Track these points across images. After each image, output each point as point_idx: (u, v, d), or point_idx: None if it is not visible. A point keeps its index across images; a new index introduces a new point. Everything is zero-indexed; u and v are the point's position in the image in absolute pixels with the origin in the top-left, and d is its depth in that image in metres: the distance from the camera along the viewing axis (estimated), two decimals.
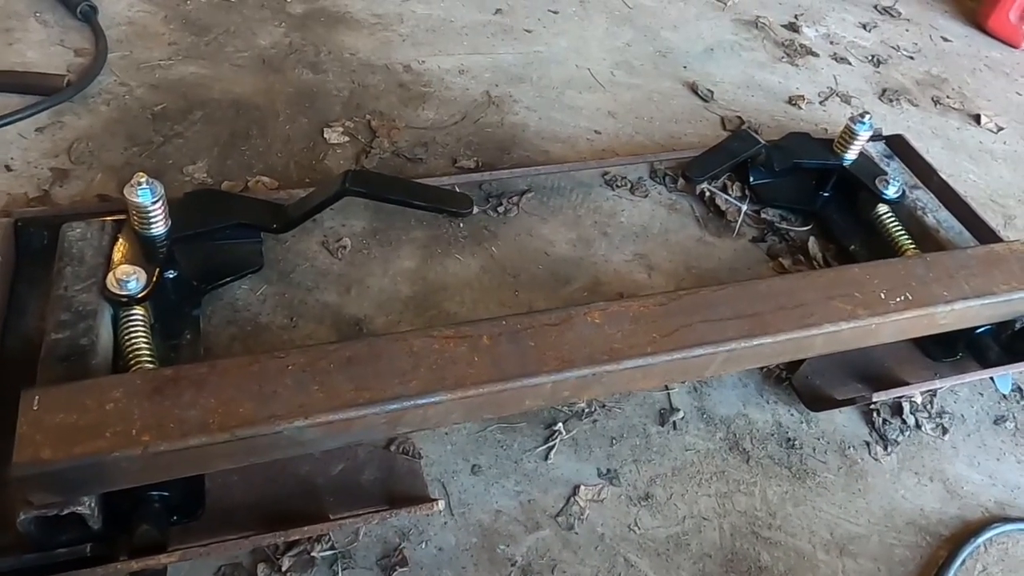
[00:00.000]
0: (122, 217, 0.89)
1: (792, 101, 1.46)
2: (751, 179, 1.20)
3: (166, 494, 0.72)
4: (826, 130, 1.38)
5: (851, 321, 0.87)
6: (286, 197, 1.01)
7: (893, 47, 1.67)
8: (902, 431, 0.97)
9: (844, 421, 0.97)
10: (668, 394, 0.96)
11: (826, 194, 1.20)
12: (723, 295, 0.88)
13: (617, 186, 1.21)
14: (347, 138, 1.19)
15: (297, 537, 0.75)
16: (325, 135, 1.19)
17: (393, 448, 0.84)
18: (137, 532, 0.70)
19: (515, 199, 1.15)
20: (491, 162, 1.20)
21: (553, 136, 1.27)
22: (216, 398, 0.70)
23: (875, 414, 0.98)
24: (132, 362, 0.80)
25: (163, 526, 0.71)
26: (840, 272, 0.94)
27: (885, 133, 1.27)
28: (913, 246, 1.08)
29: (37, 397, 0.67)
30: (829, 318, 0.87)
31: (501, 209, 1.13)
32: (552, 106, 1.33)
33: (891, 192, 1.12)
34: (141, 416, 0.68)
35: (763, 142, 1.15)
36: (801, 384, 0.98)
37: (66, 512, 0.67)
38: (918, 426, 0.98)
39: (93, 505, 0.68)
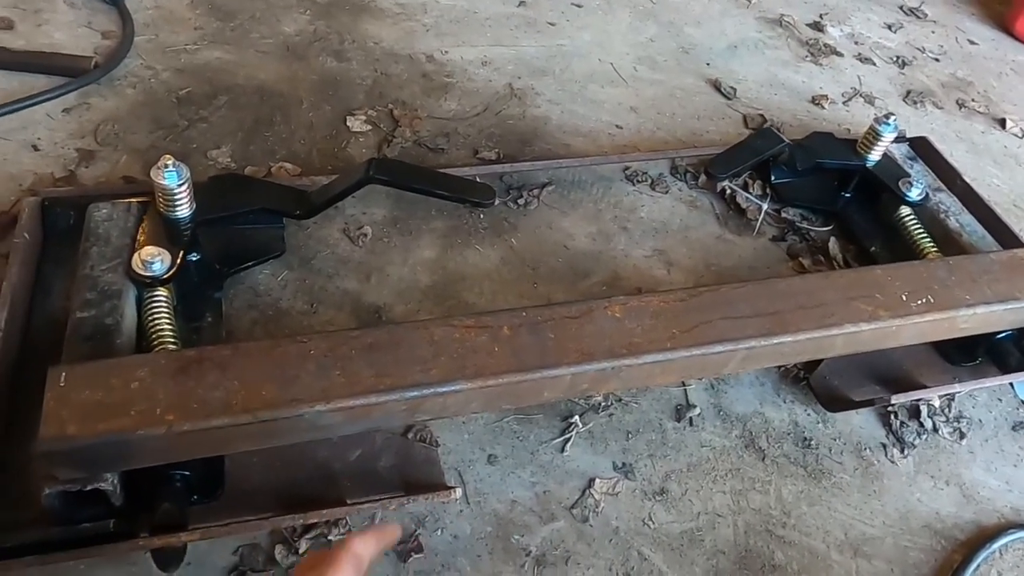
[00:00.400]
0: (147, 199, 0.90)
1: (815, 101, 1.45)
2: (773, 178, 1.20)
3: (187, 474, 0.73)
4: (849, 130, 1.37)
5: (872, 322, 0.87)
6: (309, 184, 1.01)
7: (918, 48, 1.65)
8: (919, 434, 0.97)
9: (861, 422, 0.97)
10: (685, 390, 0.96)
11: (848, 195, 1.19)
12: (743, 293, 0.87)
13: (638, 181, 1.20)
14: (369, 127, 1.20)
15: (315, 520, 0.75)
16: (348, 123, 1.19)
17: (410, 436, 0.85)
18: (158, 510, 0.70)
19: (536, 192, 1.15)
20: (512, 154, 1.20)
21: (575, 130, 1.27)
22: (239, 380, 0.71)
23: (892, 416, 0.98)
24: (155, 343, 0.81)
25: (184, 505, 0.72)
26: (861, 273, 0.94)
27: (909, 135, 1.26)
28: (935, 249, 1.07)
29: (63, 374, 0.68)
30: (850, 319, 0.87)
31: (521, 201, 1.13)
32: (574, 99, 1.33)
33: (914, 194, 1.11)
34: (165, 396, 0.68)
35: (787, 141, 1.14)
36: (819, 384, 0.97)
37: (89, 488, 0.67)
38: (935, 430, 0.97)
39: (116, 482, 0.69)
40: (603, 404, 0.93)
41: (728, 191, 1.20)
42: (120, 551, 0.69)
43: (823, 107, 1.44)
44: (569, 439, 0.89)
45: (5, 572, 0.68)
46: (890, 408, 0.98)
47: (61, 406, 0.66)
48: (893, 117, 1.12)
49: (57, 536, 0.68)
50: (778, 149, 1.12)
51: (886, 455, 0.94)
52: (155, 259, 0.84)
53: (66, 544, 0.68)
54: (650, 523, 0.84)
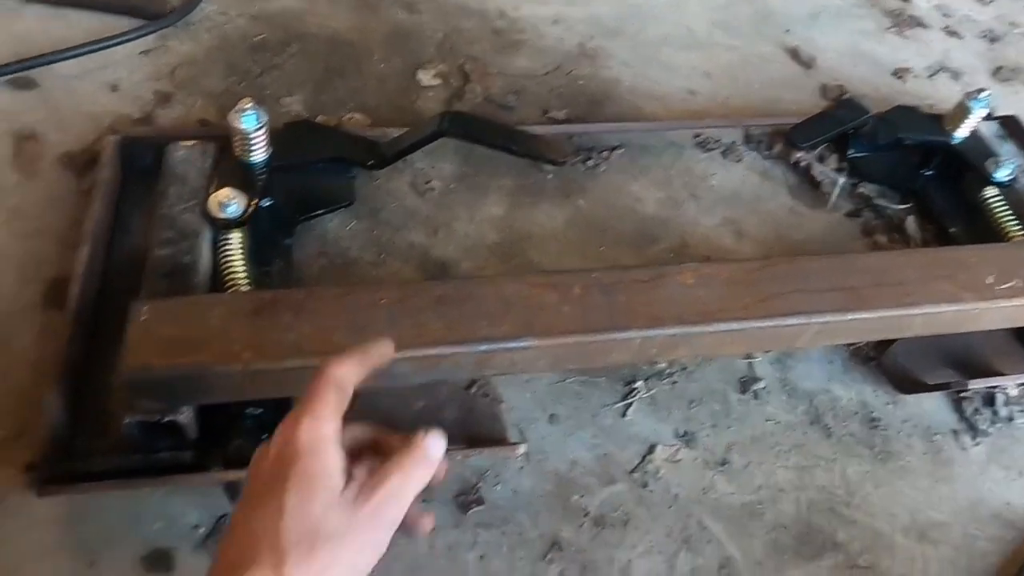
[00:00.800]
0: (223, 142, 0.91)
1: (898, 74, 1.39)
2: (851, 151, 1.15)
3: (259, 412, 0.75)
4: (932, 106, 1.31)
5: (953, 304, 0.84)
6: (379, 135, 1.01)
7: (1010, 23, 1.57)
8: (993, 422, 0.93)
9: (932, 407, 0.94)
10: (750, 363, 0.94)
11: (929, 172, 1.14)
12: (820, 266, 0.85)
13: (709, 148, 1.17)
14: (439, 81, 1.19)
15: None
16: (418, 77, 1.19)
17: (474, 390, 0.85)
18: (231, 446, 0.72)
19: (605, 154, 1.13)
20: (582, 115, 1.18)
21: (647, 93, 1.24)
22: (312, 324, 0.71)
23: (965, 403, 0.94)
24: (229, 284, 0.82)
25: (255, 442, 0.72)
26: (945, 252, 0.91)
27: (996, 114, 1.20)
28: (1022, 233, 1.03)
29: (145, 308, 0.70)
30: (930, 299, 0.84)
31: (590, 163, 1.11)
32: (647, 62, 1.30)
33: (1002, 175, 1.06)
34: (241, 334, 0.69)
35: (871, 112, 1.10)
36: (890, 365, 0.95)
37: (166, 420, 0.69)
38: (1010, 419, 0.94)
39: (191, 416, 0.71)
40: (667, 371, 0.92)
41: (803, 163, 1.17)
42: (194, 482, 0.71)
43: (906, 81, 1.37)
44: (631, 404, 0.88)
45: (87, 494, 0.71)
46: (963, 394, 0.94)
47: (142, 339, 0.68)
48: (986, 93, 1.07)
49: (136, 464, 0.70)
50: (861, 121, 1.08)
51: (957, 442, 0.91)
52: (231, 202, 0.84)
53: (145, 472, 0.70)
54: (711, 493, 0.83)
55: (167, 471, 0.70)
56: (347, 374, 0.54)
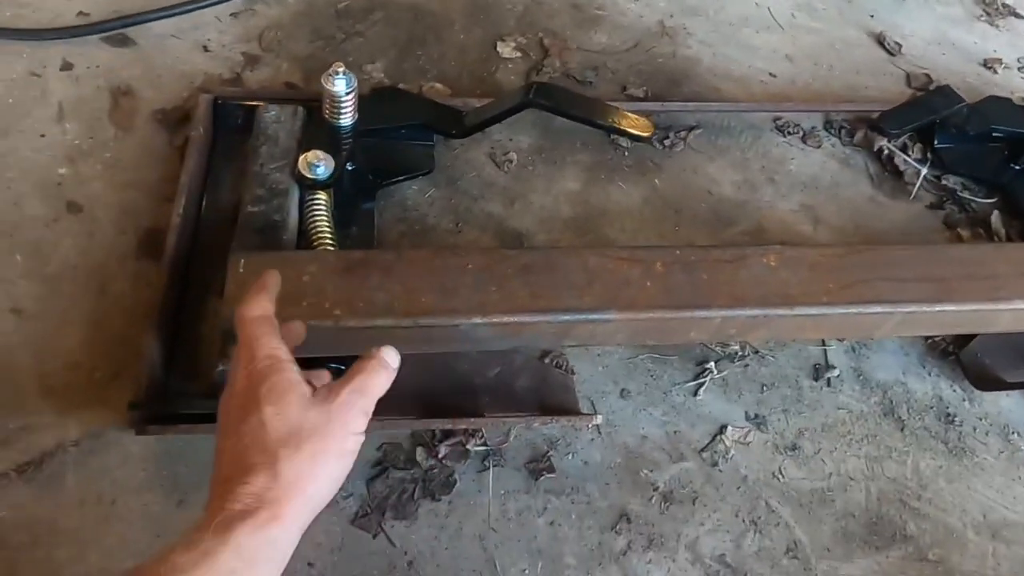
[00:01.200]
0: (312, 105, 0.92)
1: (987, 64, 1.34)
2: (937, 141, 1.13)
3: (342, 367, 0.76)
4: (1023, 99, 1.27)
5: None
6: (460, 105, 1.02)
7: None
8: None
9: (1011, 406, 0.92)
10: (825, 350, 0.93)
11: (1018, 167, 1.11)
12: (907, 255, 0.84)
13: (789, 133, 1.16)
14: (519, 54, 1.19)
15: (456, 427, 0.78)
16: (498, 49, 1.19)
17: (547, 360, 0.86)
18: None
19: (683, 134, 1.12)
20: (660, 94, 1.17)
21: (726, 74, 1.23)
22: (401, 285, 0.73)
23: None
24: (316, 243, 0.84)
25: None
26: None
27: None
28: None
29: (243, 260, 0.72)
30: (1022, 295, 0.82)
31: (667, 142, 1.11)
32: (727, 42, 1.28)
33: None
34: (333, 291, 0.71)
35: (966, 101, 1.07)
36: (969, 361, 0.93)
37: None
38: None
39: None
40: (739, 354, 0.91)
41: (886, 151, 1.14)
42: None
43: (996, 71, 1.33)
44: (703, 384, 0.88)
45: (180, 435, 0.74)
46: None
47: (241, 290, 0.70)
48: None
49: None
50: (954, 110, 1.05)
51: None
52: (320, 163, 0.86)
53: None
54: (780, 476, 0.83)
55: None
56: (260, 307, 0.57)
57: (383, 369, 0.57)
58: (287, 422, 0.50)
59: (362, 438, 0.54)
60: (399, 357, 0.59)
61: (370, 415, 0.55)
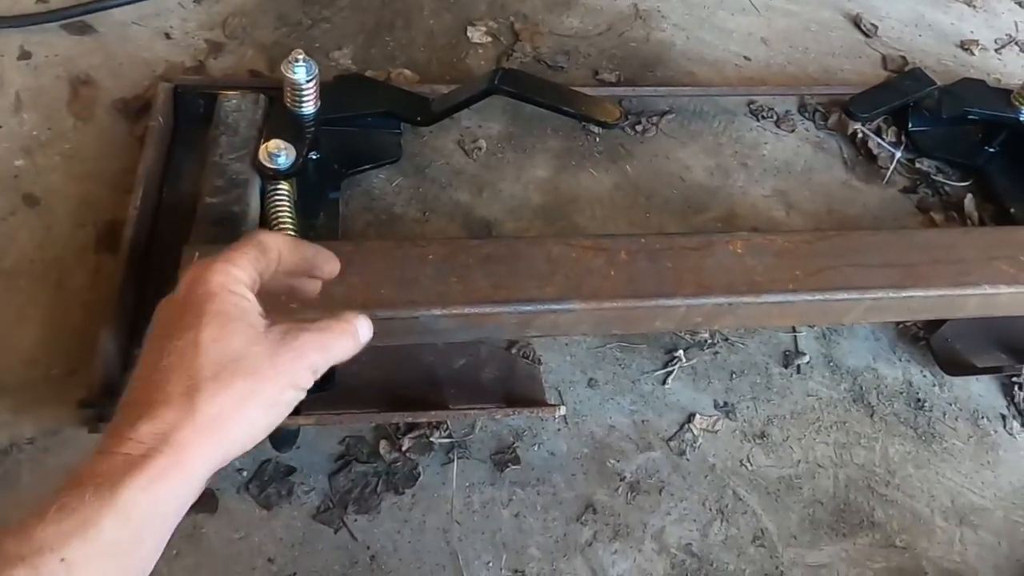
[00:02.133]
0: (274, 94, 0.90)
1: (964, 46, 1.33)
2: (910, 124, 1.12)
3: None
4: (999, 80, 1.26)
5: (1013, 286, 0.81)
6: (428, 91, 1.00)
7: None
8: None
9: (980, 390, 0.92)
10: (795, 336, 0.93)
11: (993, 150, 1.10)
12: (875, 240, 0.83)
13: (763, 117, 1.14)
14: (489, 39, 1.17)
15: (420, 420, 0.77)
16: (468, 34, 1.17)
17: (514, 351, 0.85)
18: None
19: (655, 119, 1.11)
20: (633, 78, 1.16)
21: (700, 57, 1.21)
22: (360, 277, 0.72)
23: (1016, 388, 0.92)
24: None
25: None
26: (1008, 233, 0.88)
27: None
28: None
29: (197, 254, 0.70)
30: (989, 279, 0.81)
31: (639, 128, 1.09)
32: (701, 26, 1.26)
33: None
34: None
35: (937, 84, 1.06)
36: (939, 346, 0.92)
37: None
38: None
39: None
40: (708, 341, 0.91)
41: (859, 135, 1.13)
42: None
43: (972, 53, 1.32)
44: (671, 372, 0.88)
45: None
46: (1015, 379, 0.92)
47: None
48: None
49: None
50: (926, 93, 1.04)
51: (1004, 427, 0.90)
52: (281, 152, 0.84)
53: None
54: (748, 465, 0.83)
55: None
56: (275, 241, 0.52)
57: (351, 338, 0.50)
58: (224, 351, 0.42)
59: (302, 395, 0.46)
60: (371, 334, 0.52)
61: (318, 377, 0.47)
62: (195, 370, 0.41)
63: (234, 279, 0.47)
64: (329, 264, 0.59)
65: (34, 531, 0.35)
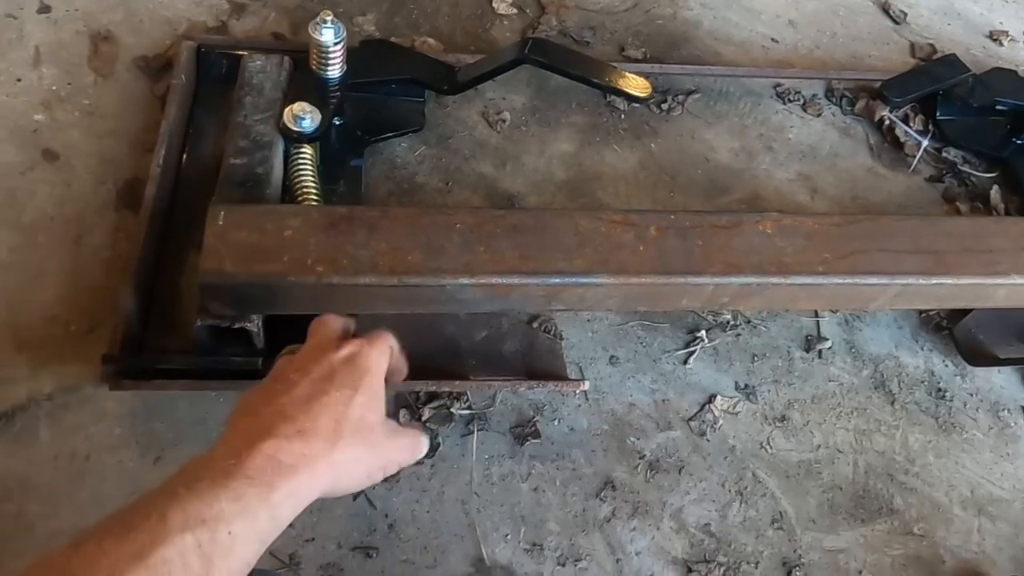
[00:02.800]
0: (299, 56, 0.89)
1: (993, 36, 1.31)
2: (939, 113, 1.10)
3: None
4: None
5: None
6: (453, 60, 0.99)
7: None
8: None
9: (1002, 382, 0.91)
10: (817, 321, 0.92)
11: (1020, 141, 1.09)
12: (906, 226, 0.82)
13: (789, 100, 1.13)
14: (515, 10, 1.15)
15: (442, 390, 0.76)
16: (493, 4, 1.15)
17: (536, 325, 0.84)
18: None
19: (680, 98, 1.09)
20: (659, 56, 1.14)
21: (727, 38, 1.19)
22: (386, 243, 0.71)
23: None
24: (299, 197, 0.81)
25: None
26: None
27: None
28: None
29: (223, 213, 0.69)
30: (1019, 269, 0.80)
31: (665, 106, 1.08)
32: (729, 5, 1.24)
33: None
34: (316, 247, 0.69)
35: (972, 72, 1.05)
36: (963, 336, 0.92)
37: (236, 326, 0.70)
38: None
39: (260, 325, 0.71)
40: (731, 323, 0.90)
41: (886, 122, 1.12)
42: None
43: (1002, 44, 1.30)
44: (693, 352, 0.87)
45: (156, 392, 0.72)
46: None
47: (220, 243, 0.68)
48: None
49: (207, 366, 0.71)
50: (960, 80, 1.03)
51: None
52: (306, 115, 0.83)
53: (214, 375, 0.71)
54: (768, 447, 0.82)
55: (236, 376, 0.71)
56: (390, 350, 0.61)
57: (416, 451, 0.59)
58: (364, 418, 0.52)
59: (380, 479, 0.56)
60: (427, 448, 0.61)
61: (389, 473, 0.57)
62: (343, 421, 0.50)
63: (382, 368, 0.57)
64: (397, 377, 0.68)
65: (214, 502, 0.41)
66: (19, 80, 0.92)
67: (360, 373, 0.54)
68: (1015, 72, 1.10)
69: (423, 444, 0.59)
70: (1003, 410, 0.89)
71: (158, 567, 0.37)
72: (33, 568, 0.37)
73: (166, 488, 0.41)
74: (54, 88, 0.92)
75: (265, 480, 0.44)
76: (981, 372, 0.91)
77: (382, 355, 0.58)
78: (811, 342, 0.90)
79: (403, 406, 0.78)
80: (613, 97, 1.05)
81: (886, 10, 1.31)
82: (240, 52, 0.92)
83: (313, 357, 0.54)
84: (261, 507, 0.43)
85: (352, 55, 0.88)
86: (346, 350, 0.56)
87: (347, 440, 0.49)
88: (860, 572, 0.77)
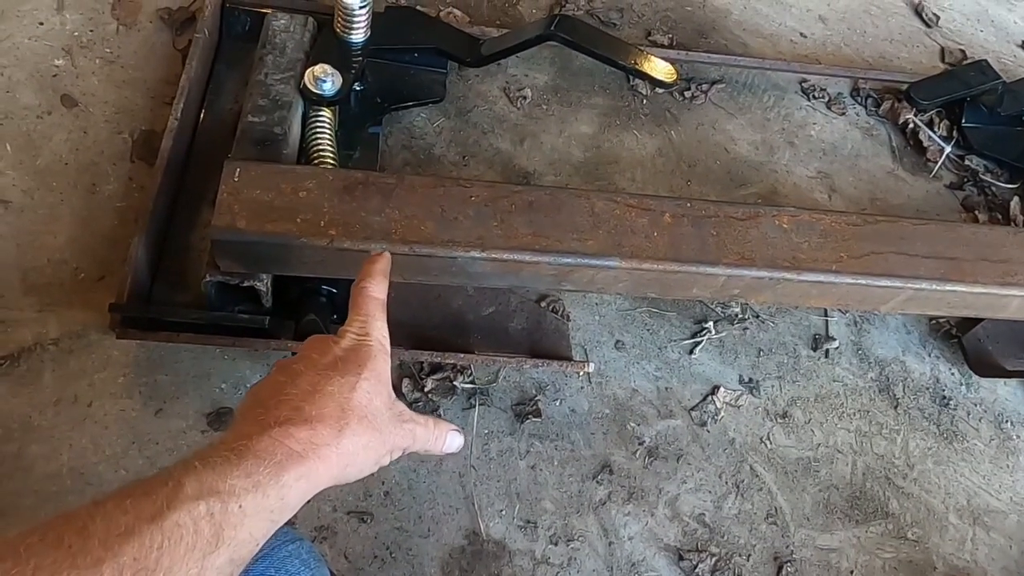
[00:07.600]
0: (324, 18, 0.88)
1: None
2: (964, 120, 1.09)
3: (334, 291, 0.75)
4: None
5: None
6: (478, 33, 0.98)
7: None
8: None
9: (1007, 394, 0.91)
10: (826, 320, 0.91)
11: None
12: (923, 231, 0.81)
13: (814, 97, 1.12)
14: None
15: (447, 361, 0.76)
16: None
17: (543, 304, 0.84)
18: (303, 320, 0.72)
19: (704, 87, 1.08)
20: (686, 43, 1.13)
21: (755, 29, 1.18)
22: (400, 211, 0.70)
23: None
24: (316, 160, 0.81)
25: (326, 321, 0.74)
26: None
27: None
28: None
29: (238, 169, 0.69)
30: None
31: (688, 94, 1.07)
32: None
33: None
34: (330, 210, 0.69)
35: (1003, 79, 1.03)
36: (971, 345, 0.91)
37: (245, 284, 0.70)
38: None
39: (268, 284, 0.71)
40: (739, 316, 0.89)
41: (910, 125, 1.10)
42: (265, 347, 0.72)
43: None
44: (699, 343, 0.86)
45: (162, 344, 0.72)
46: None
47: (234, 199, 0.67)
48: None
49: (214, 321, 0.71)
50: (989, 87, 1.01)
51: None
52: (327, 78, 0.82)
53: (220, 331, 0.71)
54: (767, 443, 0.82)
55: (242, 333, 0.71)
56: (381, 291, 0.59)
57: (439, 443, 0.58)
58: (370, 403, 0.52)
59: (384, 464, 0.55)
60: (457, 448, 0.58)
61: (401, 456, 0.56)
62: (349, 407, 0.50)
63: (387, 348, 0.56)
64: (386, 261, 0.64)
65: (227, 477, 0.42)
66: (41, 24, 0.92)
67: (364, 359, 0.54)
68: None
69: (454, 438, 0.58)
70: (1006, 422, 0.89)
71: (172, 530, 0.38)
72: (56, 519, 0.38)
73: (183, 461, 0.43)
74: (76, 34, 0.92)
75: (275, 461, 0.45)
76: (987, 383, 0.90)
77: (385, 337, 0.57)
78: (818, 341, 0.90)
79: (406, 376, 0.78)
80: (636, 81, 1.04)
81: (919, 12, 1.29)
82: (264, 10, 0.90)
83: (317, 347, 0.54)
84: (271, 486, 0.44)
85: (377, 20, 0.87)
86: (349, 337, 0.56)
87: (354, 427, 0.50)
88: (851, 572, 0.77)
